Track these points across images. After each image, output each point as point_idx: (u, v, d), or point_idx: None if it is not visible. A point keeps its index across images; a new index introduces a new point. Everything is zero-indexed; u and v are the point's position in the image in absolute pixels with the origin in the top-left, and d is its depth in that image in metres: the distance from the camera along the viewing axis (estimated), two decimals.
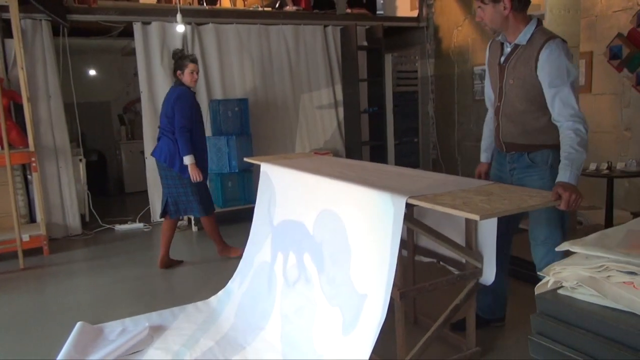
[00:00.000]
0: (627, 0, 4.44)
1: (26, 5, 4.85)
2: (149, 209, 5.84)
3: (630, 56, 4.44)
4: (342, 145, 6.62)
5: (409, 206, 2.04)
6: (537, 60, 2.29)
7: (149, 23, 5.59)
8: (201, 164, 4.07)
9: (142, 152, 5.89)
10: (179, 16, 5.27)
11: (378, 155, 6.48)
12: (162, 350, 2.76)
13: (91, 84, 8.28)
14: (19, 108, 4.89)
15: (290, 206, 2.87)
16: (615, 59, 4.55)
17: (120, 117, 8.47)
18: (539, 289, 1.49)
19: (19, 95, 4.74)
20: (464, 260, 2.50)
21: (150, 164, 5.72)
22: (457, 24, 6.47)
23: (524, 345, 2.08)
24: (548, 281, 1.47)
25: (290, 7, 6.56)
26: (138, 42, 5.56)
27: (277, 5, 6.67)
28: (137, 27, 5.52)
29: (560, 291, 1.43)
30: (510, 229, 2.64)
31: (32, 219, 5.24)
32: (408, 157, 7.68)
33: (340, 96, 6.57)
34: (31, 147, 4.70)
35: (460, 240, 2.47)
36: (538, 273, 1.56)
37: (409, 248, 2.79)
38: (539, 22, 2.38)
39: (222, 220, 4.86)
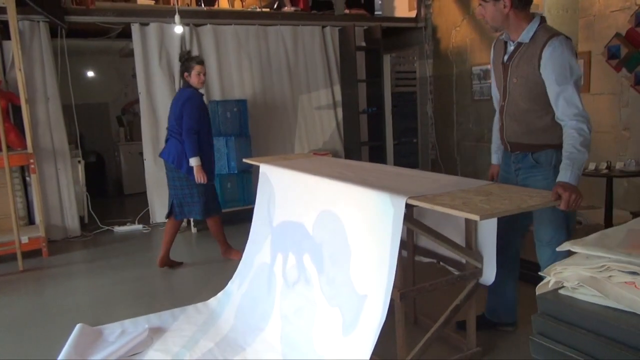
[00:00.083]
0: (625, 0, 4.45)
1: (24, 7, 4.85)
2: (148, 210, 5.83)
3: (628, 56, 4.45)
4: (341, 145, 6.62)
5: (408, 206, 2.04)
6: (540, 57, 2.27)
7: (147, 24, 5.58)
8: (208, 165, 4.09)
9: (141, 154, 5.88)
10: (177, 17, 5.27)
11: (377, 155, 6.48)
12: (162, 351, 2.75)
13: (89, 86, 8.28)
14: (17, 110, 4.89)
15: (290, 207, 2.86)
16: (613, 59, 4.55)
17: (119, 119, 8.46)
18: (540, 289, 1.49)
19: (17, 97, 4.73)
20: (464, 261, 2.49)
21: (149, 165, 5.73)
22: (455, 24, 6.47)
23: (525, 346, 2.07)
24: (549, 281, 1.47)
25: (288, 8, 6.55)
26: (136, 44, 5.55)
27: (275, 6, 6.67)
28: (135, 29, 5.52)
29: (561, 291, 1.43)
30: (517, 231, 2.62)
31: (30, 221, 5.23)
32: (407, 158, 7.68)
33: (338, 97, 6.57)
34: (29, 149, 4.69)
35: (460, 240, 2.47)
36: (539, 273, 1.55)
37: (408, 248, 2.79)
38: (543, 19, 2.36)
39: (222, 221, 4.85)
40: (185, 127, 3.95)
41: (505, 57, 2.47)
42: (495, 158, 2.79)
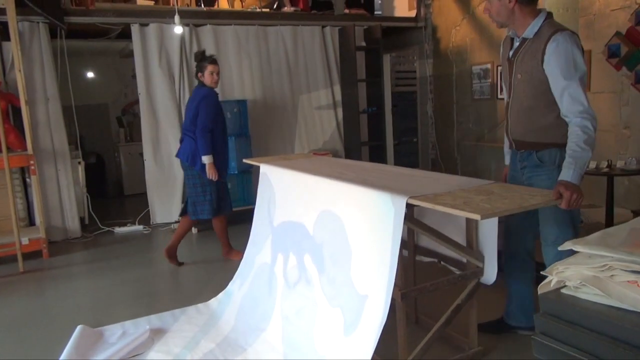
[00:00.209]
0: None
1: (23, 8, 4.84)
2: (149, 211, 5.83)
3: (628, 54, 4.44)
4: (341, 145, 6.61)
5: (409, 206, 2.03)
6: (543, 52, 2.24)
7: (146, 25, 5.58)
8: (221, 164, 4.14)
9: (141, 154, 5.88)
10: (176, 18, 5.26)
11: (377, 155, 6.47)
12: (163, 352, 2.75)
13: (89, 86, 8.28)
14: (17, 111, 4.88)
15: (290, 207, 2.86)
16: (613, 58, 4.55)
17: (119, 119, 8.45)
18: (542, 289, 1.48)
19: (17, 98, 4.73)
20: (465, 260, 2.49)
21: (149, 166, 5.73)
22: (455, 24, 6.47)
23: (527, 345, 2.07)
24: (551, 281, 1.46)
25: (288, 8, 6.55)
26: (136, 44, 5.55)
27: (275, 6, 6.66)
28: (134, 29, 5.51)
29: (563, 291, 1.42)
30: (527, 233, 2.59)
31: (31, 222, 5.23)
32: (407, 157, 7.68)
33: (339, 96, 6.56)
34: (30, 150, 4.69)
35: (461, 239, 2.46)
36: (541, 273, 1.55)
37: (409, 248, 2.79)
38: (549, 15, 2.33)
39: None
40: (199, 125, 3.99)
41: (511, 53, 2.46)
42: (507, 159, 2.76)
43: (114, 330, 3.04)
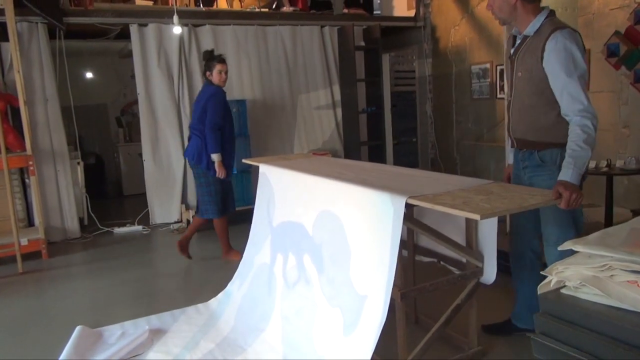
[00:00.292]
0: None
1: (22, 8, 4.83)
2: (148, 211, 5.82)
3: (627, 54, 4.44)
4: (341, 145, 6.61)
5: (408, 206, 2.03)
6: (543, 50, 2.23)
7: (145, 25, 5.58)
8: (228, 162, 4.16)
9: (140, 155, 5.88)
10: (175, 18, 5.26)
11: (376, 155, 6.47)
12: (163, 353, 2.74)
13: (88, 87, 8.27)
14: (16, 111, 4.87)
15: (289, 207, 2.85)
16: (612, 57, 4.55)
17: (118, 120, 8.45)
18: (542, 289, 1.48)
19: (16, 98, 4.72)
20: (464, 260, 2.49)
21: (149, 166, 5.73)
22: (454, 23, 6.46)
23: (526, 345, 2.07)
24: (551, 281, 1.46)
25: (287, 8, 6.55)
26: (135, 44, 5.54)
27: (274, 6, 6.66)
28: (133, 29, 5.51)
29: (563, 291, 1.42)
30: (532, 234, 2.57)
31: (30, 223, 5.22)
32: (407, 157, 7.68)
33: (338, 96, 6.56)
34: (29, 151, 4.68)
35: (460, 239, 2.46)
36: (541, 272, 1.54)
37: (409, 248, 2.79)
38: (551, 13, 2.32)
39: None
40: (208, 123, 4.00)
41: (512, 51, 2.45)
42: (511, 157, 2.73)
43: (113, 331, 3.04)
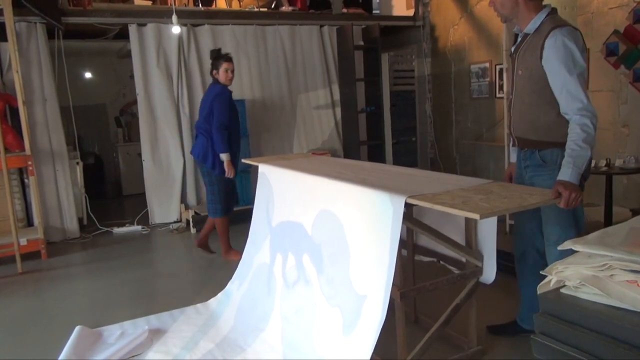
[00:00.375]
0: None
1: (21, 9, 4.83)
2: (147, 211, 5.82)
3: (626, 53, 4.44)
4: (340, 145, 6.61)
5: (408, 206, 2.03)
6: (542, 48, 2.22)
7: (144, 25, 5.57)
8: (233, 161, 4.18)
9: (140, 154, 5.87)
10: (174, 18, 5.25)
11: (376, 154, 6.47)
12: (162, 353, 2.74)
13: (87, 87, 8.26)
14: (15, 112, 4.87)
15: (289, 207, 2.85)
16: (611, 56, 4.55)
17: (117, 120, 8.44)
18: (541, 289, 1.48)
19: (15, 98, 4.72)
20: (464, 260, 2.49)
21: (148, 166, 5.72)
22: (453, 23, 6.46)
23: (526, 345, 2.07)
24: (550, 280, 1.46)
25: (286, 8, 6.54)
26: (134, 44, 5.54)
27: (273, 6, 6.66)
28: (132, 29, 5.50)
29: (563, 290, 1.41)
30: (536, 235, 2.54)
31: (29, 223, 5.22)
32: (406, 157, 7.67)
33: (337, 96, 6.56)
34: (27, 151, 4.67)
35: (460, 239, 2.46)
36: (541, 272, 1.54)
37: (408, 247, 2.79)
38: (552, 11, 2.31)
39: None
40: (215, 123, 4.01)
41: (513, 48, 2.45)
42: (513, 156, 2.71)
43: (112, 331, 3.03)
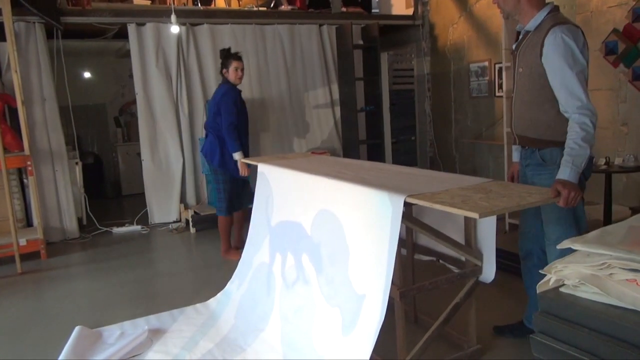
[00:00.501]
0: None
1: (19, 8, 4.82)
2: (147, 211, 5.82)
3: (626, 51, 4.44)
4: (339, 144, 6.61)
5: (407, 205, 2.03)
6: (542, 46, 2.21)
7: (143, 24, 5.57)
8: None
9: (139, 154, 5.87)
10: (173, 17, 5.25)
11: (375, 154, 6.46)
12: (162, 353, 2.74)
13: (86, 87, 8.25)
14: (14, 112, 4.86)
15: (288, 207, 2.85)
16: (611, 55, 4.55)
17: (116, 120, 8.44)
18: (541, 287, 1.47)
19: (13, 98, 4.71)
20: (463, 259, 2.49)
21: (147, 165, 5.72)
22: (452, 22, 6.46)
23: (525, 344, 2.07)
24: (550, 279, 1.46)
25: (285, 7, 6.54)
26: (133, 44, 5.53)
27: (272, 5, 6.65)
28: (131, 29, 5.50)
29: (562, 289, 1.41)
30: (540, 234, 2.51)
31: (29, 223, 5.21)
32: (405, 156, 7.68)
33: (336, 95, 6.55)
34: (27, 151, 4.67)
35: (459, 238, 2.46)
36: (540, 271, 1.54)
37: (408, 247, 2.78)
38: (554, 8, 2.30)
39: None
40: (224, 123, 4.03)
41: (514, 46, 2.45)
42: (516, 155, 2.69)
43: (112, 331, 3.03)
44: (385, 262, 2.05)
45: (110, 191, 8.06)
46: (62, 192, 5.33)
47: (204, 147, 4.31)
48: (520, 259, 2.68)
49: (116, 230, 5.64)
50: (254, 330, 2.81)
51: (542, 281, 1.49)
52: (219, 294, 3.35)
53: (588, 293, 1.35)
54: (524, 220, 2.61)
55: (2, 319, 3.42)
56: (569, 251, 1.48)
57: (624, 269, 1.29)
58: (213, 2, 7.28)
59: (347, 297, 2.23)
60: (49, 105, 5.25)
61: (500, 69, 5.47)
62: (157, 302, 3.54)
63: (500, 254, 2.49)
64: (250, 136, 5.80)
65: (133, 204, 6.68)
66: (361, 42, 6.52)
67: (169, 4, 5.83)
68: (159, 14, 5.64)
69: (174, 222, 5.79)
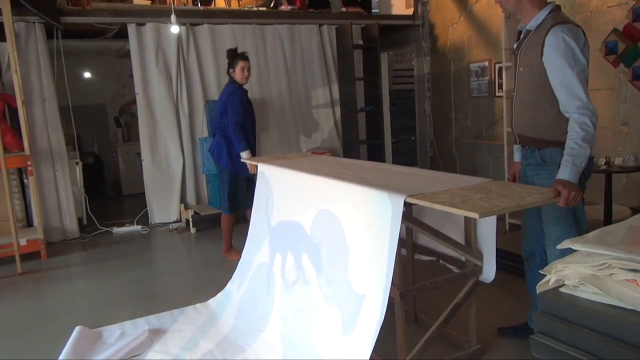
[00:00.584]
0: None
1: (19, 8, 4.82)
2: (147, 211, 5.82)
3: (626, 51, 4.44)
4: (340, 144, 6.61)
5: (407, 205, 2.03)
6: (542, 45, 2.21)
7: (143, 24, 5.57)
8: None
9: (139, 154, 5.87)
10: (173, 17, 5.25)
11: (375, 153, 6.47)
12: (162, 353, 2.74)
13: (86, 87, 8.26)
14: (14, 112, 4.86)
15: (288, 207, 2.85)
16: (611, 55, 4.55)
17: (116, 120, 8.44)
18: (540, 288, 1.47)
19: (14, 98, 4.72)
20: (463, 259, 2.49)
21: (147, 165, 5.72)
22: (452, 22, 6.46)
23: (526, 344, 2.07)
24: (550, 279, 1.46)
25: (285, 7, 6.54)
26: (132, 44, 5.53)
27: (272, 5, 6.65)
28: (131, 29, 5.50)
29: (562, 289, 1.41)
30: (542, 235, 2.50)
31: (29, 223, 5.21)
32: (405, 156, 7.67)
33: (336, 95, 6.56)
34: (27, 151, 4.67)
35: (459, 238, 2.46)
36: (540, 272, 1.54)
37: (408, 247, 2.78)
38: (556, 8, 2.29)
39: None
40: (231, 122, 4.05)
41: (515, 45, 2.45)
42: (517, 155, 2.68)
43: (112, 331, 3.03)
44: (385, 262, 2.05)
45: (111, 191, 8.06)
46: (62, 192, 5.34)
47: (211, 146, 4.33)
48: (523, 259, 2.67)
49: (116, 230, 5.64)
50: (254, 330, 2.81)
51: (542, 281, 1.49)
52: (219, 294, 3.35)
53: (588, 293, 1.35)
54: (525, 220, 2.61)
55: (3, 319, 3.42)
56: (569, 251, 1.48)
57: (624, 269, 1.29)
58: (213, 2, 7.28)
59: (347, 297, 2.23)
60: (49, 105, 5.25)
61: (500, 69, 5.46)
62: (157, 302, 3.54)
63: (500, 254, 2.49)
64: None
65: (133, 204, 6.69)
66: (361, 42, 6.52)
67: (169, 4, 5.83)
68: (159, 14, 5.64)
69: (174, 222, 5.79)
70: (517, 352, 2.58)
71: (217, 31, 5.88)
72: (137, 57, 5.56)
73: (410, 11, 6.98)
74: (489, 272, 2.40)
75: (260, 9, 6.51)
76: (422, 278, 2.67)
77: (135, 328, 3.05)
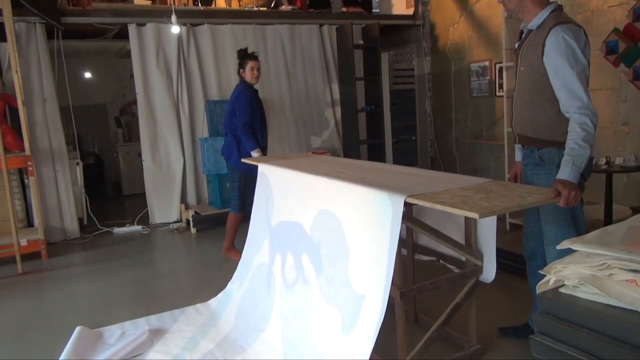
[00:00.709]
0: None
1: (20, 9, 4.82)
2: (147, 211, 5.82)
3: (626, 51, 4.43)
4: (340, 144, 6.61)
5: (407, 205, 2.02)
6: (543, 45, 2.21)
7: (143, 24, 5.57)
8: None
9: (140, 154, 5.87)
10: (173, 17, 5.25)
11: (376, 153, 6.47)
12: (163, 353, 2.74)
13: (87, 87, 8.26)
14: (14, 112, 4.86)
15: (288, 207, 2.85)
16: (611, 54, 4.54)
17: (117, 120, 8.44)
18: (540, 288, 1.47)
19: (14, 99, 4.72)
20: (463, 259, 2.49)
21: (148, 166, 5.72)
22: (453, 21, 6.46)
23: (526, 344, 2.07)
24: (549, 280, 1.46)
25: (285, 7, 6.54)
26: (133, 44, 5.54)
27: (272, 5, 6.65)
28: (131, 29, 5.50)
29: (562, 290, 1.41)
30: (542, 235, 2.50)
31: (29, 224, 5.22)
32: (406, 156, 7.67)
33: (337, 95, 6.56)
34: (27, 151, 4.67)
35: (460, 238, 2.46)
36: (539, 272, 1.54)
37: (408, 247, 2.78)
38: (557, 7, 2.29)
39: (221, 221, 4.86)
40: (239, 123, 4.09)
41: (517, 44, 2.45)
42: (518, 155, 2.68)
43: (113, 331, 3.04)
44: (385, 262, 2.05)
45: (111, 191, 8.06)
46: (62, 193, 5.34)
47: (223, 147, 4.39)
48: (525, 259, 2.67)
49: (117, 230, 5.65)
50: (255, 330, 2.81)
51: (541, 282, 1.49)
52: (219, 294, 3.35)
53: (588, 293, 1.35)
54: (526, 220, 2.61)
55: (3, 319, 3.42)
56: (568, 251, 1.48)
57: (623, 269, 1.29)
58: (213, 2, 7.28)
59: (347, 297, 2.23)
60: (50, 105, 5.25)
61: (500, 69, 5.46)
62: (157, 302, 3.54)
63: (500, 254, 2.49)
64: None
65: (134, 204, 6.69)
66: (361, 42, 6.52)
67: (170, 4, 5.83)
68: (160, 14, 5.64)
69: (175, 222, 5.79)
70: (518, 352, 2.58)
71: (218, 31, 5.88)
72: (138, 57, 5.56)
73: (410, 11, 6.98)
74: (489, 272, 2.40)
75: (261, 9, 6.51)
76: (422, 278, 2.67)
77: (135, 328, 3.05)
